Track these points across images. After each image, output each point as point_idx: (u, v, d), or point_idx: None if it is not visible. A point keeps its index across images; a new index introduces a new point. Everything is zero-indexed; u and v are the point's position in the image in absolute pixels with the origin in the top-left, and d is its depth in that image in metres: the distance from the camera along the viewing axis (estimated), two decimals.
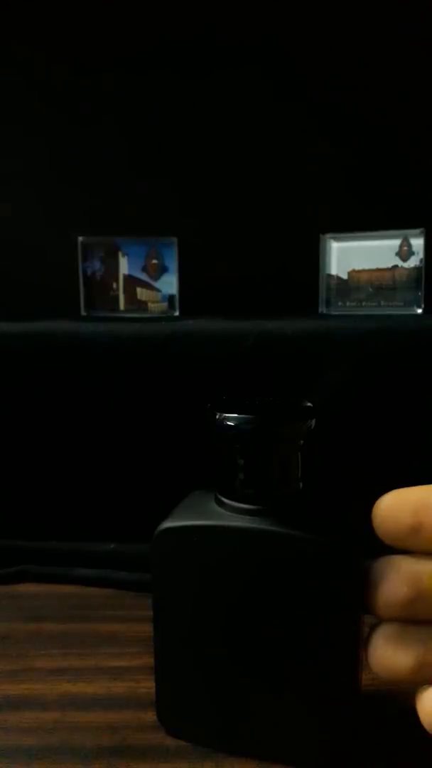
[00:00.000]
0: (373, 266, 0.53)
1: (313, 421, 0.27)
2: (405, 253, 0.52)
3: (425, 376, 0.46)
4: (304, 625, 0.26)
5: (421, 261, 0.52)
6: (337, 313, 0.54)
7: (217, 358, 0.48)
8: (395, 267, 0.53)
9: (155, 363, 0.48)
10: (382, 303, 0.53)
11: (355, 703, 0.27)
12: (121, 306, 0.57)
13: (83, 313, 0.56)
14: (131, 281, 0.56)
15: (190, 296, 0.56)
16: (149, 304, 0.56)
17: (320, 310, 0.55)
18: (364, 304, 0.54)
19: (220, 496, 0.28)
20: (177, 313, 0.56)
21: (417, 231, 0.52)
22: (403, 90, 0.58)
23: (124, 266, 0.56)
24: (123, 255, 0.56)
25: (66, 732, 0.30)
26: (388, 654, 0.21)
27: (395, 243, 0.53)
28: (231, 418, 0.26)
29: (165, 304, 0.56)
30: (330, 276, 0.55)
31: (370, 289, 0.54)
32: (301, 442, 0.27)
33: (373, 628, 0.22)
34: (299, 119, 0.59)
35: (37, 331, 0.50)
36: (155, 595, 0.29)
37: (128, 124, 0.61)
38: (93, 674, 0.35)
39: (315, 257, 0.55)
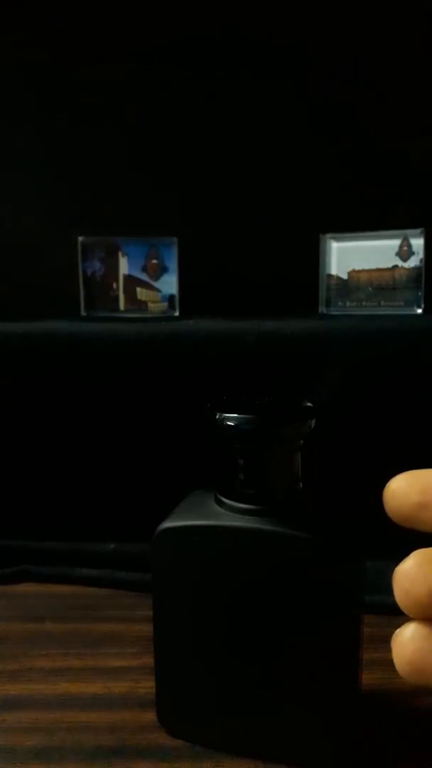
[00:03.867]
0: (373, 266, 0.53)
1: (313, 421, 0.27)
2: (405, 253, 0.52)
3: (425, 376, 0.46)
4: (304, 625, 0.26)
5: (421, 261, 0.52)
6: (337, 313, 0.54)
7: (217, 358, 0.48)
8: (395, 267, 0.53)
9: (155, 363, 0.48)
10: (382, 303, 0.53)
11: (355, 703, 0.27)
12: (121, 306, 0.57)
13: (83, 313, 0.56)
14: (131, 281, 0.56)
15: (190, 296, 0.56)
16: (149, 304, 0.56)
17: (320, 310, 0.55)
18: (364, 304, 0.54)
19: (220, 496, 0.28)
20: (177, 313, 0.56)
21: (417, 231, 0.52)
22: (403, 90, 0.58)
23: (124, 266, 0.56)
24: (123, 255, 0.56)
25: (66, 732, 0.30)
26: (426, 656, 0.20)
27: (395, 243, 0.53)
28: (231, 418, 0.26)
29: (165, 304, 0.56)
30: (330, 276, 0.55)
31: (370, 289, 0.54)
32: (301, 442, 0.27)
33: (401, 628, 0.21)
34: (299, 119, 0.59)
35: (37, 331, 0.50)
36: (155, 595, 0.29)
37: (128, 123, 0.61)
38: (93, 674, 0.35)
39: (315, 257, 0.55)
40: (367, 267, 0.54)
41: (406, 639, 0.20)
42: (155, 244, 0.56)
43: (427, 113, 0.58)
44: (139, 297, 0.56)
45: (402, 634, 0.20)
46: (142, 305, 0.56)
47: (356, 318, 0.51)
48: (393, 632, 0.20)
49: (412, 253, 0.52)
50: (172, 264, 0.55)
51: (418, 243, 0.52)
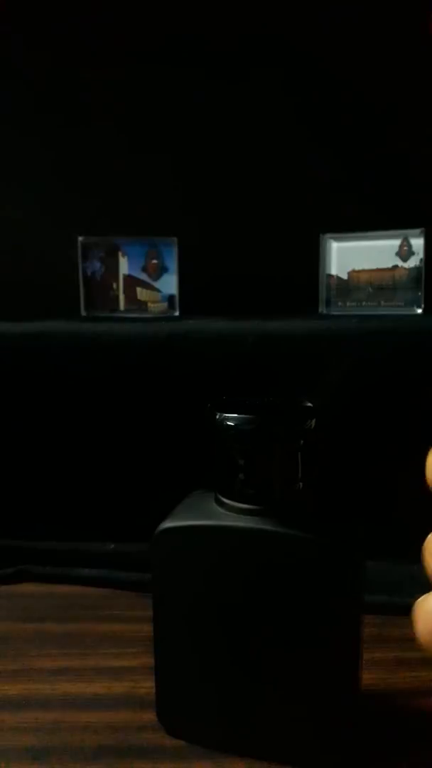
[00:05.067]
0: (373, 266, 0.53)
1: (313, 421, 0.27)
2: (405, 253, 0.52)
3: (425, 376, 0.46)
4: (304, 625, 0.26)
5: (421, 261, 0.52)
6: (337, 313, 0.54)
7: (217, 358, 0.48)
8: (395, 267, 0.53)
9: (155, 363, 0.48)
10: (382, 303, 0.53)
11: (355, 703, 0.27)
12: (121, 306, 0.57)
13: (83, 313, 0.56)
14: (131, 281, 0.56)
15: (190, 296, 0.56)
16: (149, 304, 0.56)
17: (320, 310, 0.55)
18: (364, 304, 0.54)
19: (220, 496, 0.28)
20: (177, 313, 0.56)
21: (417, 231, 0.52)
22: (403, 90, 0.58)
23: (124, 266, 0.56)
24: (123, 255, 0.56)
25: (66, 732, 0.30)
26: None
27: (395, 243, 0.53)
28: (231, 418, 0.26)
29: (165, 304, 0.56)
30: (330, 276, 0.55)
31: (370, 289, 0.54)
32: (301, 442, 0.27)
33: (424, 597, 0.20)
34: (299, 119, 0.59)
35: (37, 331, 0.50)
36: (155, 595, 0.29)
37: (128, 123, 0.61)
38: (93, 674, 0.35)
39: (315, 257, 0.55)
40: (367, 267, 0.54)
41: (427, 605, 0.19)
42: (155, 244, 0.56)
43: (427, 114, 0.58)
44: (139, 297, 0.56)
45: (427, 601, 0.19)
46: (142, 305, 0.56)
47: (356, 318, 0.51)
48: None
49: (412, 253, 0.52)
50: (172, 264, 0.55)
51: (418, 243, 0.52)
